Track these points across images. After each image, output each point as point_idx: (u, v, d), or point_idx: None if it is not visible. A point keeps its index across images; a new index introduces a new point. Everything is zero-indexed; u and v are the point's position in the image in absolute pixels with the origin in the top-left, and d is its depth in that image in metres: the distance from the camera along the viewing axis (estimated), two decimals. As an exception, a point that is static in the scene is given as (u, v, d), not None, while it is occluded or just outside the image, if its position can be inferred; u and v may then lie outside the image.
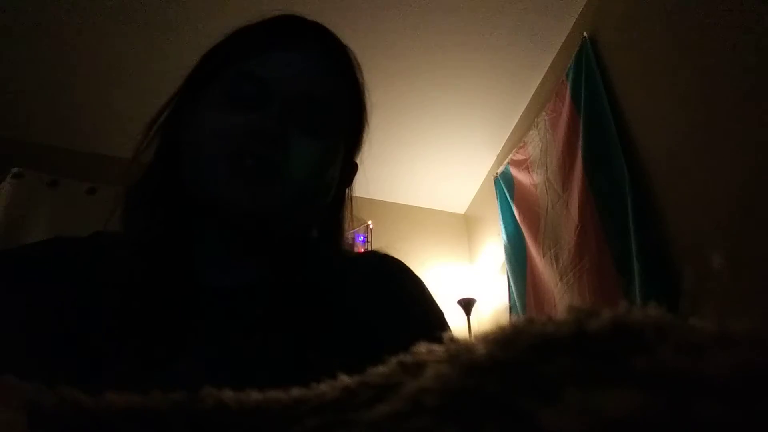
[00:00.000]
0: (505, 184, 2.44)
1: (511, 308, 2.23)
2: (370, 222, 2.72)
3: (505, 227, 2.36)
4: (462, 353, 0.14)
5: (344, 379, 0.16)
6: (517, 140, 2.40)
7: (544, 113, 2.14)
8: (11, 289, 0.45)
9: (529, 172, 2.22)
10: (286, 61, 0.50)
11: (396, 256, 0.56)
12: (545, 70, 2.22)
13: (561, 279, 1.83)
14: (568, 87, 1.93)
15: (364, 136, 0.60)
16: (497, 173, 2.52)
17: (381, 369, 0.16)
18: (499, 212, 2.43)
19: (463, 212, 3.08)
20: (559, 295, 1.84)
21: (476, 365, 0.13)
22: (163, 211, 0.51)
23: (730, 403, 0.10)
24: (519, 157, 2.33)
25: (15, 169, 2.25)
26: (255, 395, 0.16)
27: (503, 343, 0.13)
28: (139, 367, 0.42)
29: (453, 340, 0.15)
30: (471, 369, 0.13)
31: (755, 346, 0.11)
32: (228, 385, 0.17)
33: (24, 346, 0.42)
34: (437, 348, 0.15)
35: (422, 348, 0.15)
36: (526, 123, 2.34)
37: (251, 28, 0.53)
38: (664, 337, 0.11)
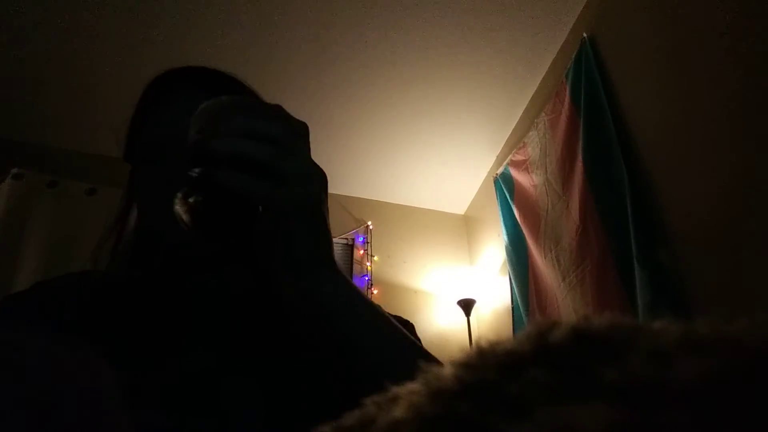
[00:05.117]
0: (504, 185, 2.44)
1: (513, 309, 2.22)
2: (369, 223, 2.72)
3: (506, 228, 2.36)
4: (432, 381, 0.14)
5: (320, 428, 0.16)
6: (516, 141, 2.40)
7: (543, 114, 2.14)
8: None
9: (528, 173, 2.22)
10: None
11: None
12: (545, 70, 2.22)
13: (563, 280, 1.83)
14: (568, 88, 1.93)
15: None
16: (497, 174, 2.52)
17: (355, 411, 0.15)
18: (500, 213, 2.42)
19: (462, 213, 3.08)
20: (562, 296, 1.84)
21: (446, 390, 0.13)
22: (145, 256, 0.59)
23: (697, 413, 0.10)
24: (519, 157, 2.33)
25: (15, 170, 2.26)
26: None
27: (469, 365, 0.13)
28: (139, 366, 0.46)
29: (424, 369, 0.15)
30: (441, 395, 0.13)
31: (720, 350, 0.11)
32: (225, 383, 0.17)
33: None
34: (410, 382, 0.15)
35: (395, 386, 0.15)
36: (526, 124, 2.34)
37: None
38: (632, 346, 0.11)
